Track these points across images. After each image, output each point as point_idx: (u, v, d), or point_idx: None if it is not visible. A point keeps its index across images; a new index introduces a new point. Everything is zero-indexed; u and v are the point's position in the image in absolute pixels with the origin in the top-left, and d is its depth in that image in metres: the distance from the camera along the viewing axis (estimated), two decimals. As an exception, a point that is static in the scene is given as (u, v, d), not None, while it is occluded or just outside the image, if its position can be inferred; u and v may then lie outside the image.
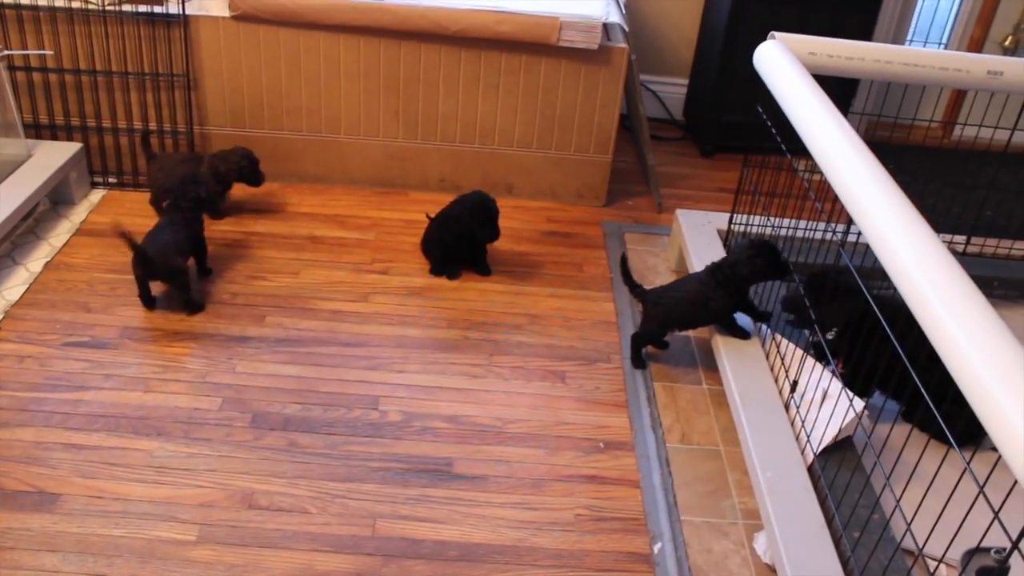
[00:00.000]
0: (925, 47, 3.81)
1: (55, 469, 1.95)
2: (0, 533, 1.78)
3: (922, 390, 1.47)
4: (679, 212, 2.80)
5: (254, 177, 2.88)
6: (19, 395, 2.14)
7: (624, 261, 2.39)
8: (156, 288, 2.50)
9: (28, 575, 1.70)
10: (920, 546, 1.53)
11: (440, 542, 1.85)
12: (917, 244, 1.45)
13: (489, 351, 2.41)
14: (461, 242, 2.67)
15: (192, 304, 2.47)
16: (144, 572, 1.73)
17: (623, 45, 2.93)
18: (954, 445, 1.42)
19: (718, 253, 2.59)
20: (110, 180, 3.07)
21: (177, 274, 2.44)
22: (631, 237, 3.01)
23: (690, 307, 2.31)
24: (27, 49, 2.88)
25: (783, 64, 2.16)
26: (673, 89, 3.91)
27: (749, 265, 2.23)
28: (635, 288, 2.37)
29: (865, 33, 3.42)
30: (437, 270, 2.71)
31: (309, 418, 2.13)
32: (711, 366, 2.38)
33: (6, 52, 2.75)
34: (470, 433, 2.13)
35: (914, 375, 1.53)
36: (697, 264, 2.46)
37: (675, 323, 2.38)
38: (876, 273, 1.77)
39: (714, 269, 2.29)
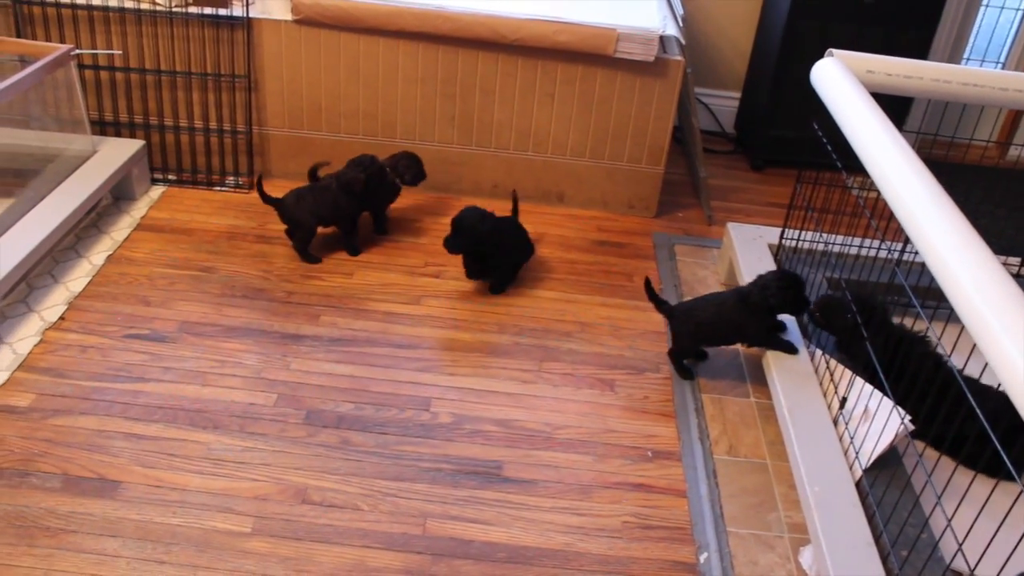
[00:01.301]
0: (982, 66, 3.79)
1: (116, 457, 2.00)
2: (64, 516, 1.84)
3: (988, 429, 1.48)
4: (730, 225, 2.81)
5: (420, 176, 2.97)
6: (82, 384, 2.20)
7: (648, 282, 2.41)
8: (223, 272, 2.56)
9: (90, 558, 1.76)
10: (972, 567, 1.53)
11: (489, 543, 1.88)
12: (976, 264, 1.45)
13: (539, 357, 2.44)
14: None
15: (306, 256, 2.78)
16: (201, 561, 1.78)
17: (679, 58, 2.94)
18: (1015, 476, 1.42)
19: (770, 267, 2.59)
20: (170, 177, 3.14)
21: (300, 228, 2.77)
22: (681, 249, 3.02)
23: (719, 327, 2.33)
24: (97, 49, 2.96)
25: (841, 81, 2.17)
26: (725, 102, 3.92)
27: (779, 295, 2.24)
28: (661, 305, 2.39)
29: (921, 51, 3.41)
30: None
31: (362, 417, 2.17)
32: (759, 380, 2.39)
33: (77, 51, 2.82)
34: (519, 437, 2.16)
35: (980, 416, 1.53)
36: (748, 278, 2.47)
37: (704, 340, 2.41)
38: (932, 293, 1.78)
39: (744, 296, 2.30)
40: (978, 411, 1.48)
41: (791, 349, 2.27)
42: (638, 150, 3.11)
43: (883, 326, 2.20)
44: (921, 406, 2.01)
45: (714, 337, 2.38)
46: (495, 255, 2.65)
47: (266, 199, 2.71)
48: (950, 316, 1.76)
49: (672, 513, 2.00)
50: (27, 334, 2.34)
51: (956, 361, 1.68)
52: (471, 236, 2.56)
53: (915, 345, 2.16)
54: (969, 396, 1.55)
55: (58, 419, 2.09)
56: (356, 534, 1.87)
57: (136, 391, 2.19)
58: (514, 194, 2.85)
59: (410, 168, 2.89)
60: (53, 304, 2.46)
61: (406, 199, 3.14)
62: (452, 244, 2.58)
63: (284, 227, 2.80)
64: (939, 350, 2.11)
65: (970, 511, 1.63)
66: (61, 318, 2.41)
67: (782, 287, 2.24)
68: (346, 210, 2.78)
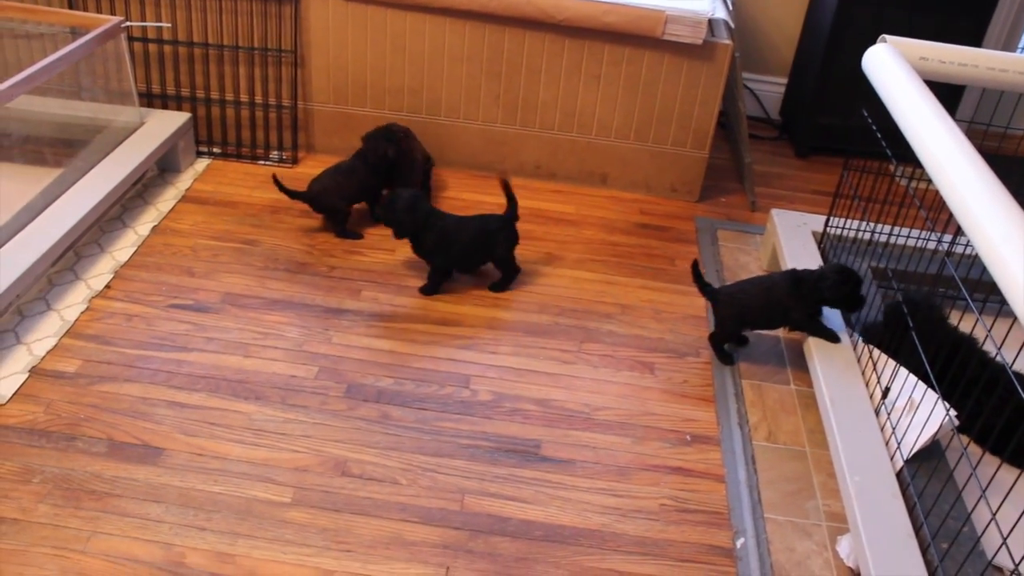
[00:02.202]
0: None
1: (159, 425, 2.03)
2: (109, 481, 1.87)
3: None
4: (774, 212, 2.78)
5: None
6: (127, 352, 2.23)
7: (695, 265, 2.38)
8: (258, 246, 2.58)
9: (134, 522, 1.79)
10: (1016, 563, 1.52)
11: (526, 521, 1.88)
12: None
13: (579, 338, 2.44)
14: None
15: (346, 235, 2.79)
16: (241, 528, 1.80)
17: (728, 42, 2.91)
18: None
19: (813, 255, 2.57)
20: (215, 150, 3.17)
21: (333, 213, 2.78)
22: (724, 234, 3.00)
23: (766, 310, 2.32)
24: (146, 21, 2.98)
25: (894, 68, 2.13)
26: (771, 88, 3.88)
27: (835, 289, 2.22)
28: (705, 288, 2.38)
29: (975, 38, 3.35)
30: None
31: (402, 392, 2.19)
32: (800, 367, 2.37)
33: (127, 24, 2.84)
34: (558, 417, 2.16)
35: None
36: (791, 265, 2.45)
37: (749, 324, 2.39)
38: (983, 286, 1.76)
39: (798, 280, 2.28)
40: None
41: (833, 338, 2.25)
42: (683, 134, 3.09)
43: (940, 329, 2.16)
44: (967, 401, 1.99)
45: (759, 320, 2.36)
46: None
47: (292, 195, 2.72)
48: (1000, 310, 1.75)
49: (710, 497, 1.99)
50: (74, 301, 2.37)
51: (1005, 356, 1.66)
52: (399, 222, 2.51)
53: (968, 347, 2.13)
54: (1021, 390, 1.53)
55: (104, 385, 2.12)
56: (394, 507, 1.88)
57: (180, 360, 2.22)
58: (504, 183, 2.59)
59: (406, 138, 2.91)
60: (99, 273, 2.49)
61: (449, 177, 3.15)
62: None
63: None
64: (987, 345, 2.09)
65: (1014, 508, 1.62)
66: (107, 287, 2.44)
67: (839, 281, 2.21)
68: (375, 189, 2.81)
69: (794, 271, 2.31)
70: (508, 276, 2.62)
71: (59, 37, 2.89)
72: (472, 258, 2.58)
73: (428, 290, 2.56)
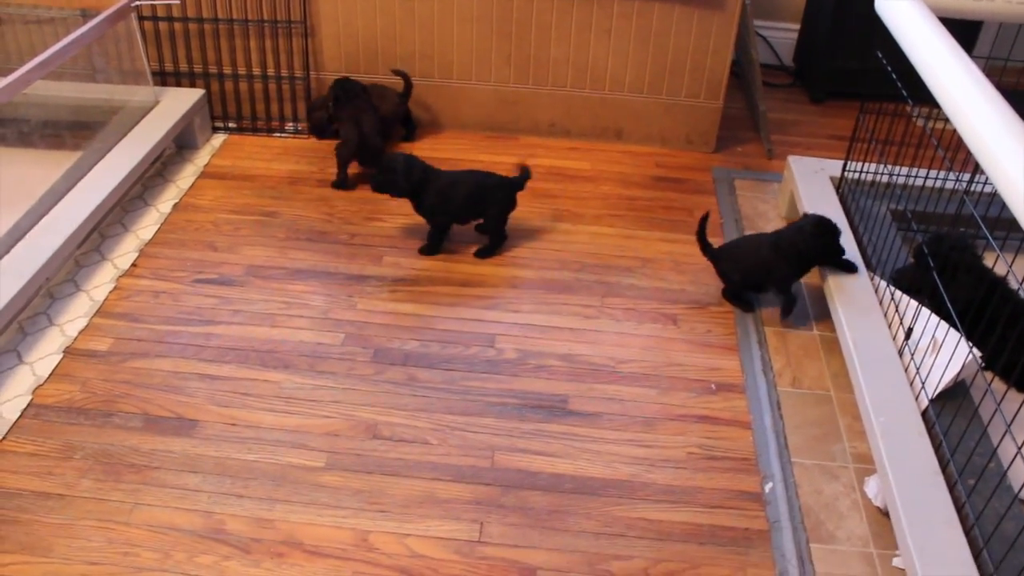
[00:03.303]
0: (1052, -12, 3.65)
1: (192, 397, 2.07)
2: (147, 454, 1.91)
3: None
4: (791, 159, 2.77)
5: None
6: (156, 328, 2.26)
7: (702, 224, 2.39)
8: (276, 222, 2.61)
9: (174, 492, 1.83)
10: (1041, 492, 1.53)
11: (556, 475, 1.91)
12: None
13: (601, 293, 2.45)
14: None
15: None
16: (278, 494, 1.84)
17: (737, -11, 2.89)
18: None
19: (832, 201, 2.57)
20: (230, 125, 3.18)
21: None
22: (741, 184, 3.00)
23: (756, 270, 2.36)
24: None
25: (908, 8, 2.11)
26: (783, 34, 3.85)
27: (811, 241, 2.25)
28: (707, 248, 2.40)
29: (989, -26, 3.30)
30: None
31: (428, 354, 2.21)
32: (822, 312, 2.38)
33: (137, 3, 2.85)
34: (584, 372, 2.19)
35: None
36: (810, 211, 2.44)
37: (750, 282, 2.41)
38: (1002, 223, 1.75)
39: (778, 239, 2.31)
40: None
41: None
42: (696, 85, 3.08)
43: (971, 269, 2.15)
44: (990, 337, 1.99)
45: (757, 279, 2.39)
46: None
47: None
48: (1020, 246, 1.75)
49: (737, 444, 2.02)
50: (102, 281, 2.41)
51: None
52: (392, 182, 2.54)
53: (996, 285, 2.13)
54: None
55: (136, 362, 2.16)
56: (426, 467, 1.92)
57: (208, 334, 2.25)
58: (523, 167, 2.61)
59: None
60: (125, 252, 2.53)
61: (464, 139, 3.16)
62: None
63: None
64: (1011, 281, 2.08)
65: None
66: (133, 265, 2.48)
67: (815, 233, 2.25)
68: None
69: (778, 231, 2.34)
70: (494, 241, 2.61)
71: (70, 20, 2.91)
72: (468, 212, 2.59)
73: (428, 250, 2.58)
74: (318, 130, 3.14)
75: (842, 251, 2.29)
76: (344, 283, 2.44)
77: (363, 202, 2.80)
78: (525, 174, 2.56)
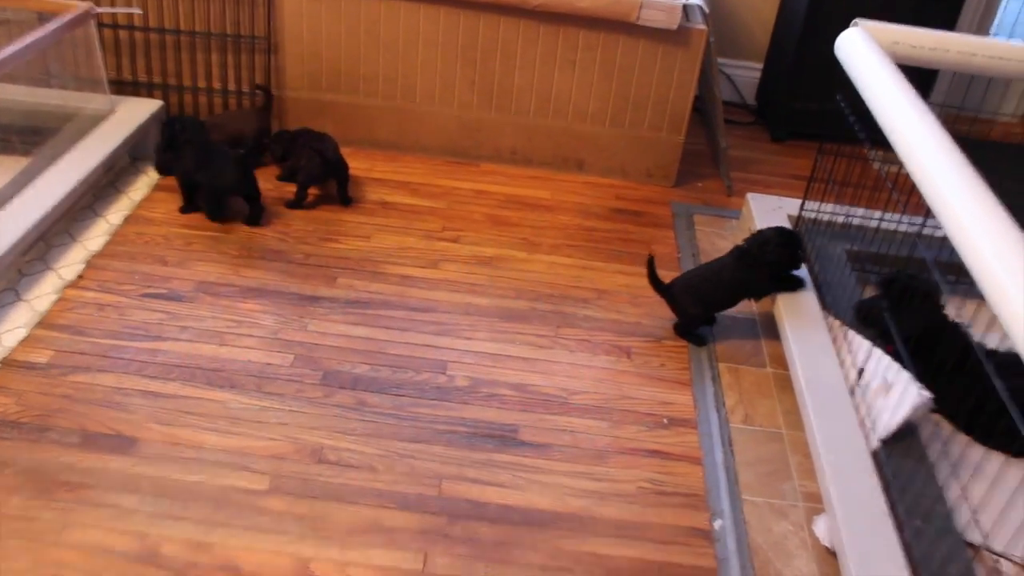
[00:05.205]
0: (1010, 40, 3.73)
1: (133, 415, 2.01)
2: (82, 472, 1.85)
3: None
4: (750, 196, 2.79)
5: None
6: (100, 342, 2.20)
7: (651, 263, 2.41)
8: (230, 238, 2.56)
9: (109, 511, 1.77)
10: (984, 538, 1.53)
11: (504, 506, 1.88)
12: (999, 239, 1.44)
13: (556, 323, 2.44)
14: None
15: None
16: (218, 517, 1.79)
17: (702, 27, 2.91)
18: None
19: (789, 238, 2.58)
20: (188, 138, 3.13)
21: None
22: (699, 219, 3.01)
23: (725, 291, 2.38)
24: (117, 7, 2.94)
25: (867, 53, 2.14)
26: (746, 73, 3.88)
27: (779, 251, 2.31)
28: (658, 285, 2.41)
29: (948, 23, 3.37)
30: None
31: (378, 379, 2.18)
32: (776, 349, 2.38)
33: (99, 10, 2.81)
34: (535, 402, 2.16)
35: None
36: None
37: (712, 308, 2.43)
38: (952, 268, 1.77)
39: (743, 253, 2.34)
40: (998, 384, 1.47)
41: (798, 283, 2.39)
42: (658, 119, 3.09)
43: (924, 310, 2.18)
44: (941, 381, 2.00)
45: (721, 302, 2.41)
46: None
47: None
48: (968, 291, 1.77)
49: (687, 480, 2.00)
50: (45, 291, 2.35)
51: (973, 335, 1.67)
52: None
53: (944, 326, 2.15)
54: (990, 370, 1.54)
55: (76, 376, 2.10)
56: (372, 494, 1.88)
57: (154, 349, 2.20)
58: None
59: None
60: (71, 262, 2.47)
61: (424, 164, 3.14)
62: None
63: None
64: (963, 325, 2.10)
65: (984, 485, 1.63)
66: (79, 276, 2.42)
67: (782, 243, 2.31)
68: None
69: (737, 247, 2.37)
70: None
71: (27, 23, 2.85)
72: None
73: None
74: (165, 169, 2.92)
75: (800, 263, 2.36)
76: (296, 303, 2.40)
77: (319, 222, 2.76)
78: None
